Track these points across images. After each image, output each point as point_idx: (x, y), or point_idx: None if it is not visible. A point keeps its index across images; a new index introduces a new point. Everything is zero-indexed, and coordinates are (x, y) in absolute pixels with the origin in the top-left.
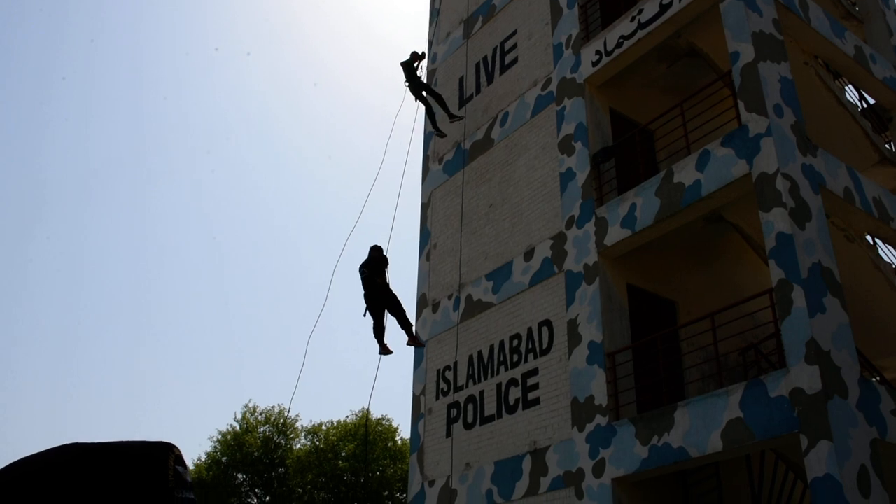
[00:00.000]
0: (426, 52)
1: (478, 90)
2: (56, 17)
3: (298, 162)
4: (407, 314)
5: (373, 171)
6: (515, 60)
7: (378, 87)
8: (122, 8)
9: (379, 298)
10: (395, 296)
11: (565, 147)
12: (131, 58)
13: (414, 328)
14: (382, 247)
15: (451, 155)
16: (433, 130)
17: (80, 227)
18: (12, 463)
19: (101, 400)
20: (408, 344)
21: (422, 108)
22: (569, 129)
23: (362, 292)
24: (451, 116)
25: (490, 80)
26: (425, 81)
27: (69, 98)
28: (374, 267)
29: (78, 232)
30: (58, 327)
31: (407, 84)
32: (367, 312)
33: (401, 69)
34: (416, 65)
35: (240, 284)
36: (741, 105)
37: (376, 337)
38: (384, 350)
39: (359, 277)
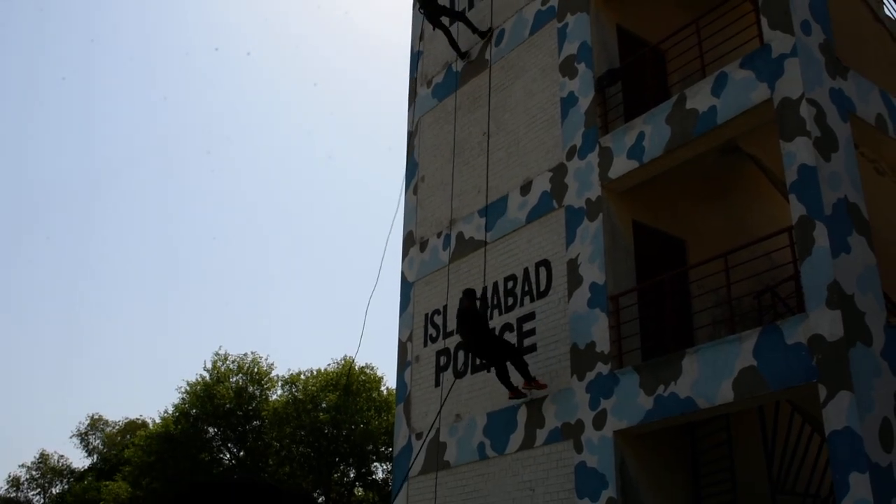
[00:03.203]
0: None
1: (471, 4)
2: (56, 17)
3: (299, 162)
4: (521, 358)
5: (374, 169)
6: None
7: (378, 84)
8: (122, 8)
9: (488, 351)
10: (500, 343)
11: (567, 69)
12: (131, 58)
13: (528, 373)
14: (474, 290)
15: (442, 77)
16: (460, 58)
17: (79, 226)
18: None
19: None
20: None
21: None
22: (571, 48)
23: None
24: (482, 34)
25: None
26: (442, 4)
27: (69, 98)
28: (469, 322)
29: (78, 232)
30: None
31: (421, 10)
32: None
33: None
34: None
35: (221, 238)
36: (764, 21)
37: (503, 382)
38: (516, 394)
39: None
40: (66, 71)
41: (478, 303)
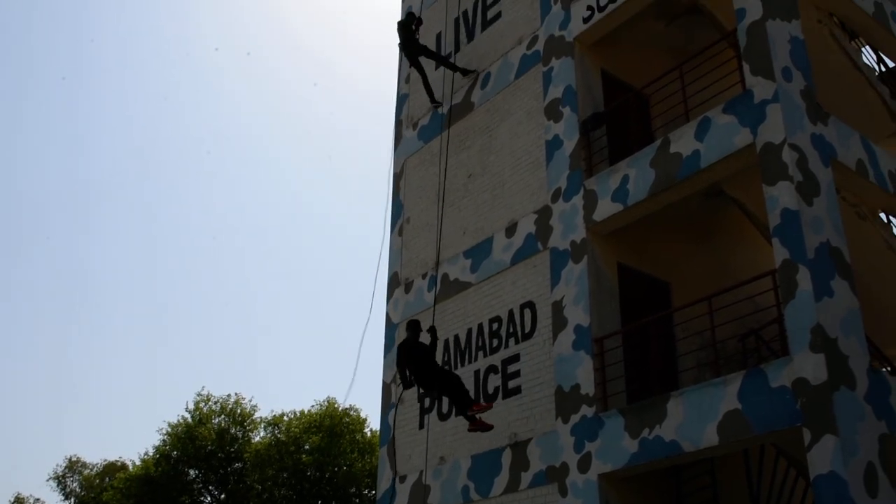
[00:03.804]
0: (421, 18)
1: (457, 48)
2: (56, 17)
3: (298, 162)
4: (463, 386)
5: (373, 171)
6: (499, 15)
7: (378, 83)
8: (123, 8)
9: (432, 383)
10: (444, 374)
11: (552, 112)
12: (131, 58)
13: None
14: (419, 321)
15: (427, 120)
16: (432, 104)
17: (79, 226)
18: None
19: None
20: (469, 429)
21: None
22: (556, 92)
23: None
24: (464, 73)
25: (471, 36)
26: (423, 44)
27: (69, 98)
28: (413, 354)
29: (78, 232)
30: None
31: (401, 47)
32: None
33: (396, 31)
34: (414, 26)
35: (210, 275)
36: (746, 68)
37: (462, 414)
38: (476, 425)
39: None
40: (65, 71)
41: (423, 333)
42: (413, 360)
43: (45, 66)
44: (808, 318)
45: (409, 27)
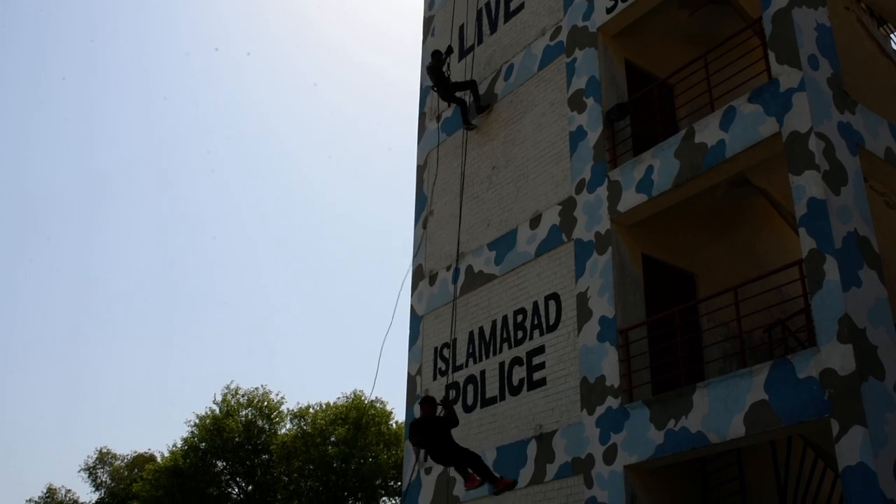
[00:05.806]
0: (451, 45)
1: (479, 40)
2: (56, 17)
3: (298, 161)
4: (483, 463)
5: (373, 174)
6: (522, 6)
7: (379, 85)
8: (123, 8)
9: (448, 457)
10: (461, 452)
11: (576, 103)
12: (131, 58)
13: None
14: (433, 398)
15: (451, 112)
16: (465, 127)
17: (80, 226)
18: None
19: (78, 384)
20: (495, 492)
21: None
22: (580, 83)
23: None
24: (480, 108)
25: (493, 28)
26: (453, 79)
27: (69, 98)
28: (430, 430)
29: (78, 232)
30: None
31: (435, 89)
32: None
33: (428, 75)
34: (444, 58)
35: (230, 269)
36: (772, 56)
37: (460, 473)
38: (473, 483)
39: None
40: (66, 71)
41: (439, 408)
42: (430, 435)
43: (45, 66)
44: (836, 308)
45: (438, 69)
